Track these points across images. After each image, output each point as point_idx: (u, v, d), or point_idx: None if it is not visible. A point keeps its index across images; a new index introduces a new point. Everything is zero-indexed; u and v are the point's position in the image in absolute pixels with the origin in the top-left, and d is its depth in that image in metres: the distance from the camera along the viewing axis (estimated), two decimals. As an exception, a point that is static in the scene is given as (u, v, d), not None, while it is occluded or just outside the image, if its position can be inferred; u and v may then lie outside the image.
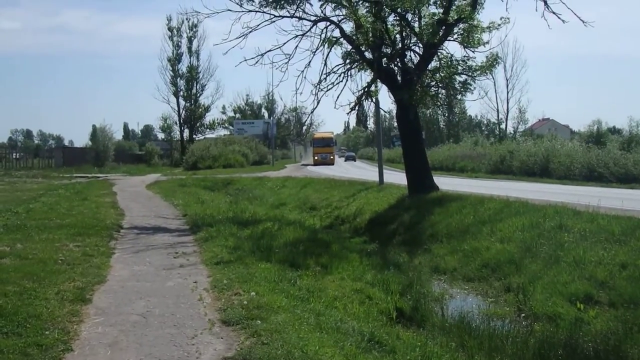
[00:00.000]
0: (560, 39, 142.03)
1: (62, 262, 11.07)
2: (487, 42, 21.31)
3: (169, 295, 9.29)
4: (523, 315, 11.19)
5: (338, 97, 22.74)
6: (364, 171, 53.38)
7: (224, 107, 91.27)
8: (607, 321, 9.95)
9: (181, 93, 74.83)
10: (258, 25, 21.36)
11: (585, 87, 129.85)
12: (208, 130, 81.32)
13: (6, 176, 42.74)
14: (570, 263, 12.22)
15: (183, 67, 74.49)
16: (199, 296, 9.15)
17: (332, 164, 73.52)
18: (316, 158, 77.22)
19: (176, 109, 75.28)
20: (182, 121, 75.84)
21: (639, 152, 34.52)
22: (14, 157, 68.16)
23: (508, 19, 20.83)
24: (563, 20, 19.85)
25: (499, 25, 20.92)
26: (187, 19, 71.50)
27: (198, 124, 78.08)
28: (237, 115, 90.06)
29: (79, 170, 50.16)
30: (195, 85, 75.28)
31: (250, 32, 21.18)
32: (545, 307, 10.91)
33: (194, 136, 76.99)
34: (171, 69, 73.81)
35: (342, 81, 22.51)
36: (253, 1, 21.00)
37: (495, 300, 12.30)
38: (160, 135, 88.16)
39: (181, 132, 76.70)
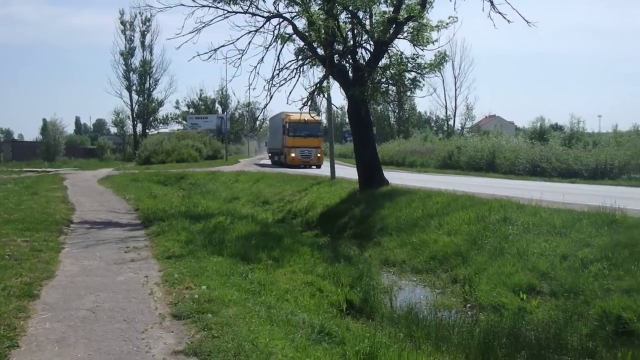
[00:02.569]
0: (506, 38, 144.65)
1: (9, 257, 10.82)
2: (436, 41, 21.47)
3: (119, 290, 9.16)
4: (469, 305, 11.36)
5: (291, 93, 22.44)
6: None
7: (177, 102, 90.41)
8: (549, 310, 10.16)
9: (134, 87, 74.00)
10: (211, 21, 21.16)
11: (529, 85, 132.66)
12: (161, 124, 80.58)
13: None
14: (514, 255, 12.43)
15: (136, 61, 73.71)
16: (149, 290, 9.04)
17: (319, 166, 46.33)
18: (293, 155, 47.44)
19: (129, 103, 74.51)
20: (135, 115, 75.04)
21: (580, 148, 35.23)
22: (-41, 151, 66.48)
23: (456, 18, 21.09)
24: (508, 20, 20.15)
25: (448, 24, 21.17)
26: (140, 13, 70.92)
27: (151, 119, 77.30)
28: (191, 110, 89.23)
29: (28, 165, 49.16)
30: (148, 79, 74.46)
31: (204, 27, 20.93)
32: (490, 297, 11.09)
33: (147, 131, 76.26)
34: (124, 63, 72.95)
35: (294, 77, 22.43)
36: (206, -5, 20.75)
37: (442, 292, 12.46)
38: (113, 130, 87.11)
39: (134, 126, 75.92)
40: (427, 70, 22.14)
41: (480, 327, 9.55)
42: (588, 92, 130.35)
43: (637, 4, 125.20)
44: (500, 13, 20.05)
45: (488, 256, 12.94)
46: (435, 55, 21.89)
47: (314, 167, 46.33)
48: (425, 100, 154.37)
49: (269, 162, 59.33)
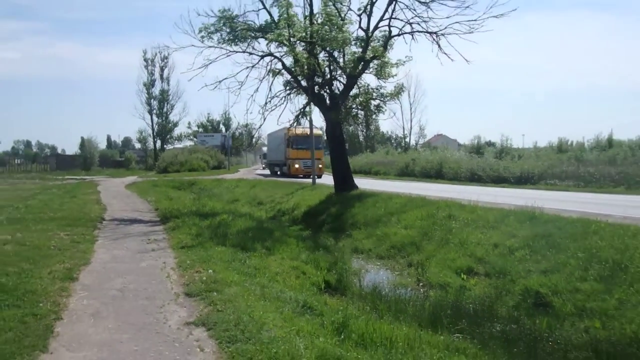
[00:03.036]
0: (451, 72, 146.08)
1: (54, 247, 10.77)
2: (395, 75, 21.69)
3: (142, 274, 9.12)
4: (421, 284, 11.42)
5: (280, 116, 22.64)
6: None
7: (189, 123, 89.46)
8: (484, 288, 10.28)
9: (154, 111, 73.49)
10: (216, 58, 21.07)
11: (469, 109, 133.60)
12: (176, 141, 79.87)
13: (9, 178, 41.30)
14: (456, 244, 12.54)
15: (156, 90, 73.10)
16: (167, 274, 9.01)
17: (320, 176, 36.84)
18: (297, 167, 41.43)
19: (150, 124, 74.04)
20: (155, 134, 74.61)
21: (508, 160, 35.45)
22: (16, 162, 65.67)
23: (411, 57, 21.31)
24: (452, 59, 20.32)
25: (404, 62, 21.33)
26: (159, 52, 70.61)
27: (168, 136, 76.75)
28: (200, 130, 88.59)
29: (69, 174, 48.77)
30: (166, 105, 73.94)
31: (210, 63, 20.86)
32: (438, 278, 11.17)
33: (165, 146, 75.65)
34: (146, 92, 72.37)
35: (283, 103, 22.37)
36: (212, 39, 20.76)
37: (400, 273, 12.52)
38: (137, 145, 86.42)
39: (154, 142, 75.39)
40: (388, 98, 22.44)
41: (430, 302, 9.62)
42: (515, 115, 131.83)
43: (547, 49, 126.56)
44: (445, 54, 20.20)
45: (436, 245, 13.03)
46: (394, 87, 22.16)
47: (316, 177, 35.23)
48: (387, 122, 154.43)
49: (264, 172, 54.69)
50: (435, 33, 20.23)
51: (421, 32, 20.60)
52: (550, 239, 10.98)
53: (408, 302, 9.48)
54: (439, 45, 20.24)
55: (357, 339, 6.48)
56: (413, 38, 20.96)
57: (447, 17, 19.97)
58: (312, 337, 6.11)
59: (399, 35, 21.30)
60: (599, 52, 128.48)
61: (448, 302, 9.46)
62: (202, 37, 20.60)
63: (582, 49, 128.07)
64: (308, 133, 33.55)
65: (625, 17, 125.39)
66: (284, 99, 22.67)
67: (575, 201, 17.89)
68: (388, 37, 21.45)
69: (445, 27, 19.95)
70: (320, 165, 39.22)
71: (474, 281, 10.64)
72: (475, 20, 19.28)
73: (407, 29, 20.87)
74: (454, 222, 14.00)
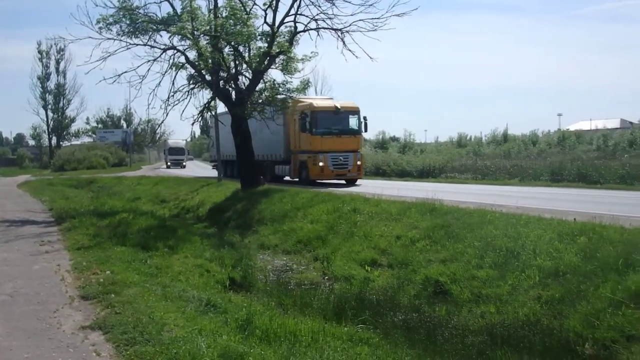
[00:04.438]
0: (357, 69, 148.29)
1: None
2: (302, 70, 21.69)
3: (35, 277, 8.70)
4: (327, 277, 11.59)
5: (183, 111, 22.05)
6: (207, 171, 52.15)
7: (87, 119, 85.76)
8: (387, 278, 10.58)
9: (50, 106, 70.19)
10: (116, 51, 20.35)
11: (374, 105, 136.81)
12: (74, 137, 76.53)
13: None
14: (361, 237, 12.81)
15: (51, 84, 69.82)
16: (61, 277, 8.64)
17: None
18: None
19: (45, 119, 70.60)
20: (50, 130, 71.27)
21: (411, 154, 36.71)
22: None
23: (317, 53, 21.44)
24: (356, 56, 20.74)
25: (310, 57, 21.52)
26: (54, 44, 67.26)
27: (65, 133, 73.44)
28: (99, 125, 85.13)
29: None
30: (62, 99, 70.79)
31: (109, 56, 20.14)
32: (343, 270, 11.37)
33: (61, 143, 72.25)
34: (40, 86, 69.06)
35: (186, 98, 21.90)
36: (111, 31, 19.98)
37: (306, 268, 12.63)
38: (31, 142, 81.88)
39: (49, 139, 72.02)
40: (294, 93, 22.49)
41: (335, 294, 9.76)
42: (417, 111, 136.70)
43: (449, 47, 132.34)
44: (350, 50, 20.54)
45: (342, 238, 13.24)
46: (300, 82, 22.22)
47: (351, 182, 24.59)
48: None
49: (210, 173, 37.17)
50: (340, 30, 20.61)
51: (326, 28, 20.90)
52: (449, 230, 11.45)
53: (313, 296, 9.56)
54: (344, 42, 20.56)
55: (261, 335, 6.46)
56: (318, 34, 21.22)
57: (351, 15, 20.39)
58: (215, 336, 6.05)
59: (304, 31, 21.45)
60: (497, 52, 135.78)
61: (352, 294, 9.63)
62: (100, 28, 19.83)
63: (482, 49, 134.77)
64: (340, 107, 23.88)
65: (521, 20, 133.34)
66: (187, 93, 22.23)
67: (473, 193, 18.83)
68: (294, 33, 21.52)
69: (350, 25, 20.32)
70: (358, 162, 24.40)
71: (377, 272, 10.92)
72: (378, 18, 19.76)
73: (313, 25, 21.10)
74: (358, 215, 14.27)
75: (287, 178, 26.45)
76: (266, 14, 21.30)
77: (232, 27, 20.52)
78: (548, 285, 8.35)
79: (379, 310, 8.68)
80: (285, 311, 8.36)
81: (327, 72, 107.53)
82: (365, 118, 24.35)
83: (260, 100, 22.78)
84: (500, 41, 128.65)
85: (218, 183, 27.72)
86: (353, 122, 24.43)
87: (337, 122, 24.15)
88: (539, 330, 7.46)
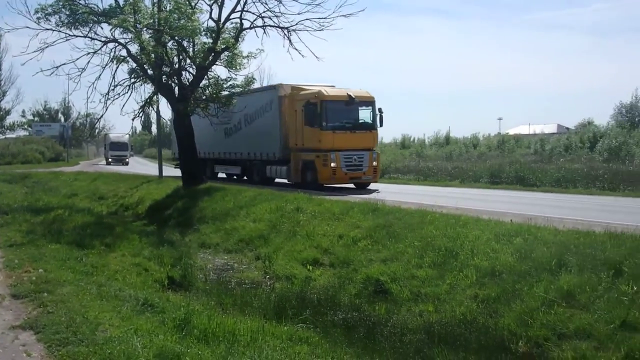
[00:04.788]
0: (304, 68, 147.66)
1: None
2: (247, 67, 21.53)
3: (-39, 276, 8.25)
4: (268, 277, 11.55)
5: (124, 106, 21.52)
6: (148, 167, 51.08)
7: (23, 111, 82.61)
8: (328, 278, 10.62)
9: (-17, 98, 66.81)
10: (54, 42, 19.77)
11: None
12: (8, 131, 73.39)
13: None
14: (304, 236, 12.82)
15: (-15, 75, 66.44)
16: (-10, 275, 8.24)
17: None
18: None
19: (-22, 111, 67.21)
20: (-18, 123, 67.98)
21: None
22: None
23: (263, 50, 21.28)
24: (303, 55, 20.75)
25: (256, 55, 21.36)
26: (-11, 33, 63.85)
27: (-1, 125, 70.29)
28: (36, 119, 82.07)
29: None
30: (-4, 91, 67.60)
31: (47, 47, 19.56)
32: (285, 269, 11.35)
33: (-5, 136, 69.21)
34: (-27, 76, 65.51)
35: (127, 92, 21.62)
36: (50, 21, 19.37)
37: (248, 267, 12.54)
38: (-39, 135, 78.00)
39: (-18, 132, 68.74)
40: (239, 90, 22.28)
41: (276, 293, 9.74)
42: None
43: (395, 49, 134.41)
44: (296, 49, 20.53)
45: (284, 238, 13.21)
46: (245, 79, 22.08)
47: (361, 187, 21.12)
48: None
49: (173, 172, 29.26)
50: (286, 28, 20.56)
51: (273, 26, 20.85)
52: (391, 229, 11.59)
53: (254, 295, 9.50)
54: (290, 41, 20.54)
55: (199, 334, 6.40)
56: (265, 32, 21.17)
57: (298, 14, 20.41)
58: (151, 335, 5.94)
59: (250, 28, 21.33)
60: (442, 55, 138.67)
61: (293, 293, 9.62)
62: (39, 18, 19.27)
63: (427, 52, 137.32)
64: (354, 96, 20.26)
65: (464, 24, 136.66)
66: (128, 87, 21.89)
67: (415, 193, 19.15)
68: (240, 30, 21.36)
69: (297, 23, 20.30)
70: (374, 163, 20.60)
71: (319, 272, 10.94)
72: (325, 18, 19.79)
73: (259, 22, 20.98)
74: (301, 214, 14.26)
75: (279, 180, 23.06)
76: (211, 9, 21.12)
77: (176, 22, 20.15)
78: (485, 285, 8.57)
79: (320, 310, 8.69)
80: (225, 311, 8.29)
81: (274, 70, 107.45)
82: (380, 110, 20.98)
83: (204, 97, 22.53)
84: (445, 45, 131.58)
85: (159, 180, 27.18)
86: (368, 114, 21.07)
87: (350, 114, 20.81)
88: (475, 329, 7.64)
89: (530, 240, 9.44)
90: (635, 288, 7.19)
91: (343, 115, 20.53)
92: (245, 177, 25.75)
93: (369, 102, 20.87)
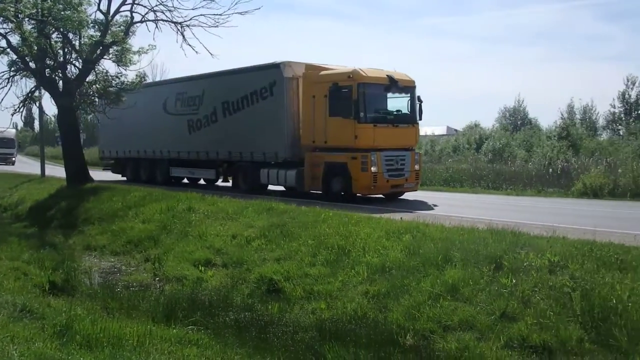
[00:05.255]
0: (197, 65, 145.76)
1: None
2: (137, 62, 20.79)
3: None
4: (158, 279, 11.20)
5: (2, 100, 20.35)
6: (29, 166, 47.68)
7: None
8: (221, 278, 10.46)
9: None
10: None
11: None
12: None
13: None
14: (195, 236, 12.57)
15: None
16: None
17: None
18: (374, 170, 14.69)
19: None
20: None
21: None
22: None
23: (155, 46, 20.74)
24: (197, 52, 20.43)
25: (147, 50, 20.74)
26: None
27: None
28: None
29: None
30: None
31: None
32: (175, 271, 11.05)
33: None
34: None
35: (7, 85, 20.64)
36: None
37: (136, 269, 12.13)
38: None
39: None
40: (129, 86, 21.38)
41: (165, 295, 9.44)
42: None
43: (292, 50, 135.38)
44: (190, 45, 20.13)
45: (175, 238, 12.90)
46: (136, 75, 21.28)
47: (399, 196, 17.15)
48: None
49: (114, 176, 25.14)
50: (180, 24, 20.22)
51: (165, 21, 20.37)
52: (285, 228, 11.63)
53: (142, 298, 9.15)
54: (184, 37, 20.19)
55: (81, 340, 6.10)
56: (157, 27, 20.65)
57: (192, 9, 20.28)
58: (29, 343, 5.61)
59: (141, 22, 20.71)
60: (336, 57, 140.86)
61: (184, 295, 9.35)
62: None
63: (325, 54, 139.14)
64: (396, 79, 15.84)
65: (355, 27, 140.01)
66: (8, 80, 20.79)
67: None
68: (130, 23, 20.65)
69: (191, 19, 20.05)
70: (417, 167, 16.48)
71: (211, 272, 10.74)
72: (220, 14, 19.61)
73: (151, 16, 20.41)
74: (194, 214, 14.00)
75: (273, 187, 18.71)
76: (100, 1, 20.25)
77: (61, 12, 19.13)
78: (375, 281, 8.79)
79: (212, 311, 8.52)
80: (110, 315, 7.91)
81: (166, 67, 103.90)
82: (419, 99, 16.62)
83: (90, 92, 21.51)
84: (339, 45, 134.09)
85: (41, 179, 25.62)
86: (406, 103, 16.51)
87: (390, 103, 16.41)
88: (366, 324, 7.80)
89: (418, 237, 9.82)
90: (514, 281, 7.66)
91: (383, 103, 16.24)
92: (223, 183, 20.48)
93: (410, 87, 16.44)
